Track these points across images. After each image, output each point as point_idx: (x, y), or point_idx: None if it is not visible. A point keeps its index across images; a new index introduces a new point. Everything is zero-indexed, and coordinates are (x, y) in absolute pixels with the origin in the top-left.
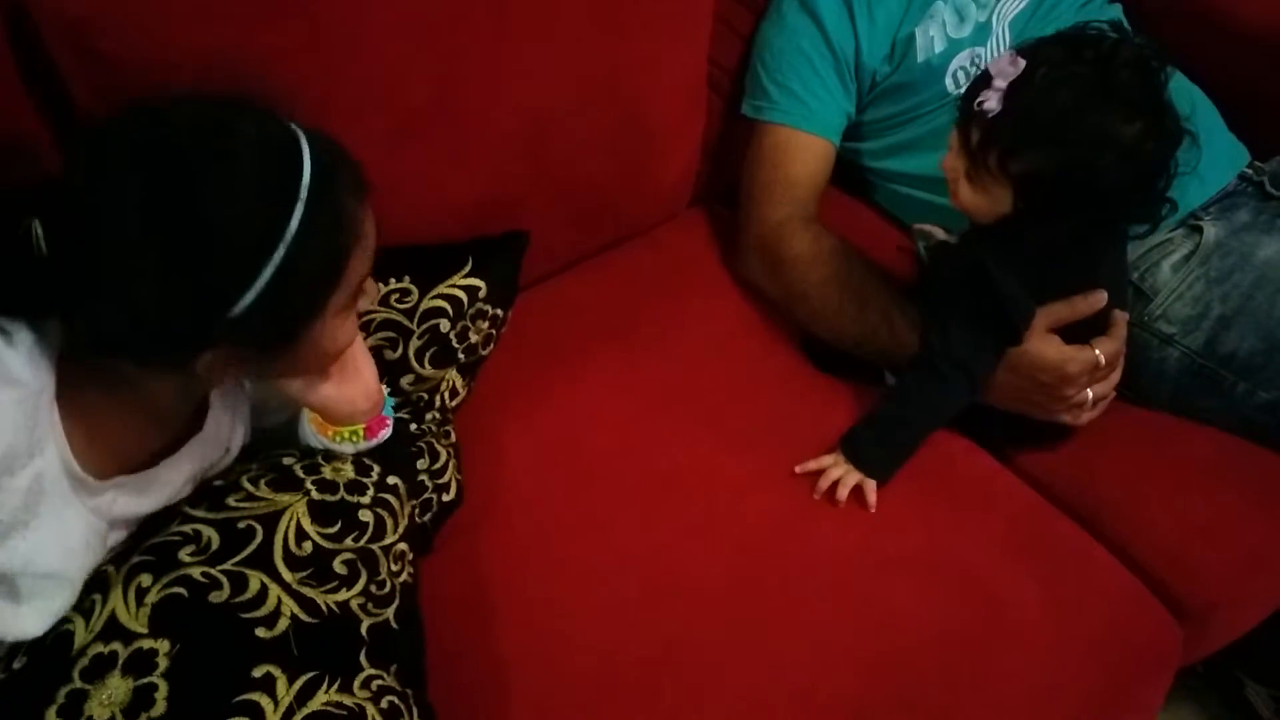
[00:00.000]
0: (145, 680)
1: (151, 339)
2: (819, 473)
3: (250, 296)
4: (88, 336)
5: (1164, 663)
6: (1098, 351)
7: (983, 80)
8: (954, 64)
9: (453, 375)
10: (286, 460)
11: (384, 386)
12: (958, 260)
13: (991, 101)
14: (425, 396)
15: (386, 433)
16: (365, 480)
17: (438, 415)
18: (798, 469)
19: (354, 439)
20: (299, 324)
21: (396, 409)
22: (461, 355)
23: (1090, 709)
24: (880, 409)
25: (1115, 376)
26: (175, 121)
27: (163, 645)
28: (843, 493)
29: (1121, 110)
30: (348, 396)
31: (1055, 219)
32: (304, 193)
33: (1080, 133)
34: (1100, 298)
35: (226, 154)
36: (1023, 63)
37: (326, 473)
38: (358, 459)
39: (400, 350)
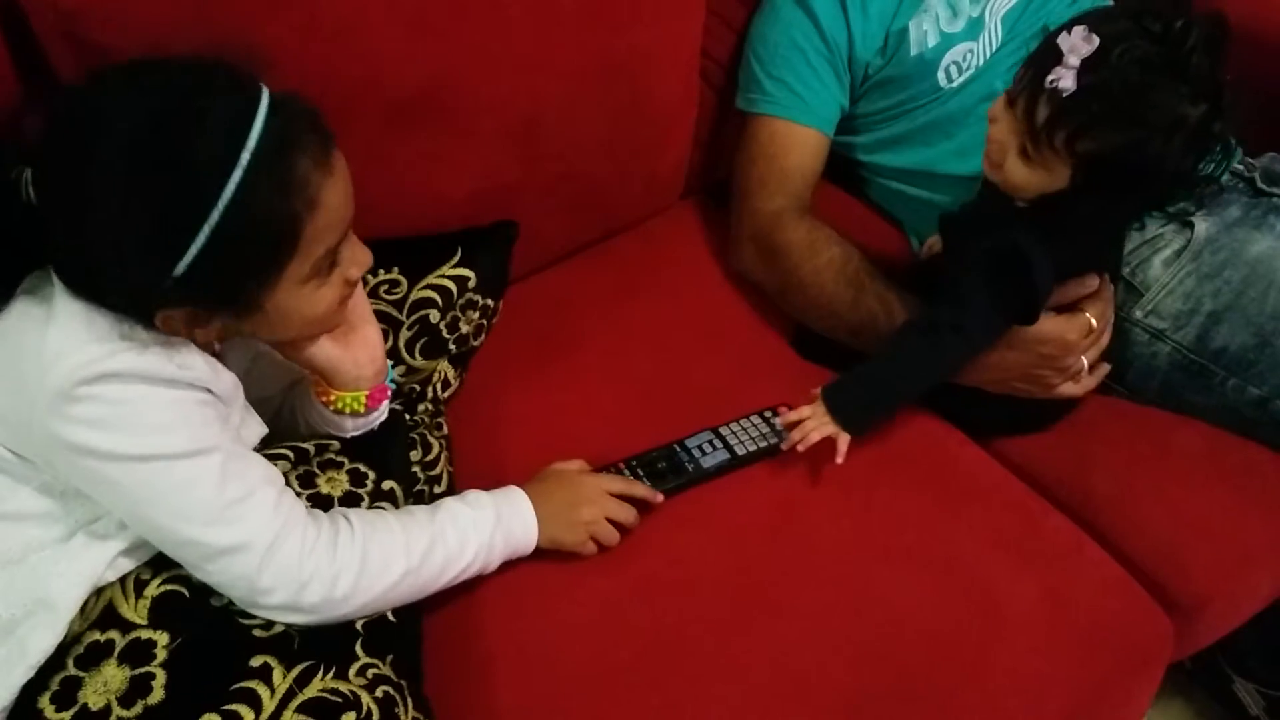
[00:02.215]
0: (143, 670)
1: (110, 288)
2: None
3: (192, 253)
4: (65, 282)
5: (1155, 657)
6: (1089, 315)
7: (1051, 55)
8: (947, 58)
9: (444, 366)
10: (281, 468)
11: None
12: (989, 236)
13: (1067, 80)
14: (417, 388)
15: (384, 407)
16: (360, 491)
17: (430, 406)
18: (779, 420)
19: (356, 405)
20: (251, 287)
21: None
22: (452, 346)
23: (1082, 701)
24: (868, 364)
25: (1104, 340)
26: (149, 81)
27: (161, 637)
28: (814, 437)
29: (1189, 91)
30: (354, 360)
31: (1111, 198)
32: (246, 156)
33: (1154, 113)
34: (1094, 282)
35: (186, 115)
36: (1096, 39)
37: (321, 485)
38: (353, 468)
39: (390, 342)
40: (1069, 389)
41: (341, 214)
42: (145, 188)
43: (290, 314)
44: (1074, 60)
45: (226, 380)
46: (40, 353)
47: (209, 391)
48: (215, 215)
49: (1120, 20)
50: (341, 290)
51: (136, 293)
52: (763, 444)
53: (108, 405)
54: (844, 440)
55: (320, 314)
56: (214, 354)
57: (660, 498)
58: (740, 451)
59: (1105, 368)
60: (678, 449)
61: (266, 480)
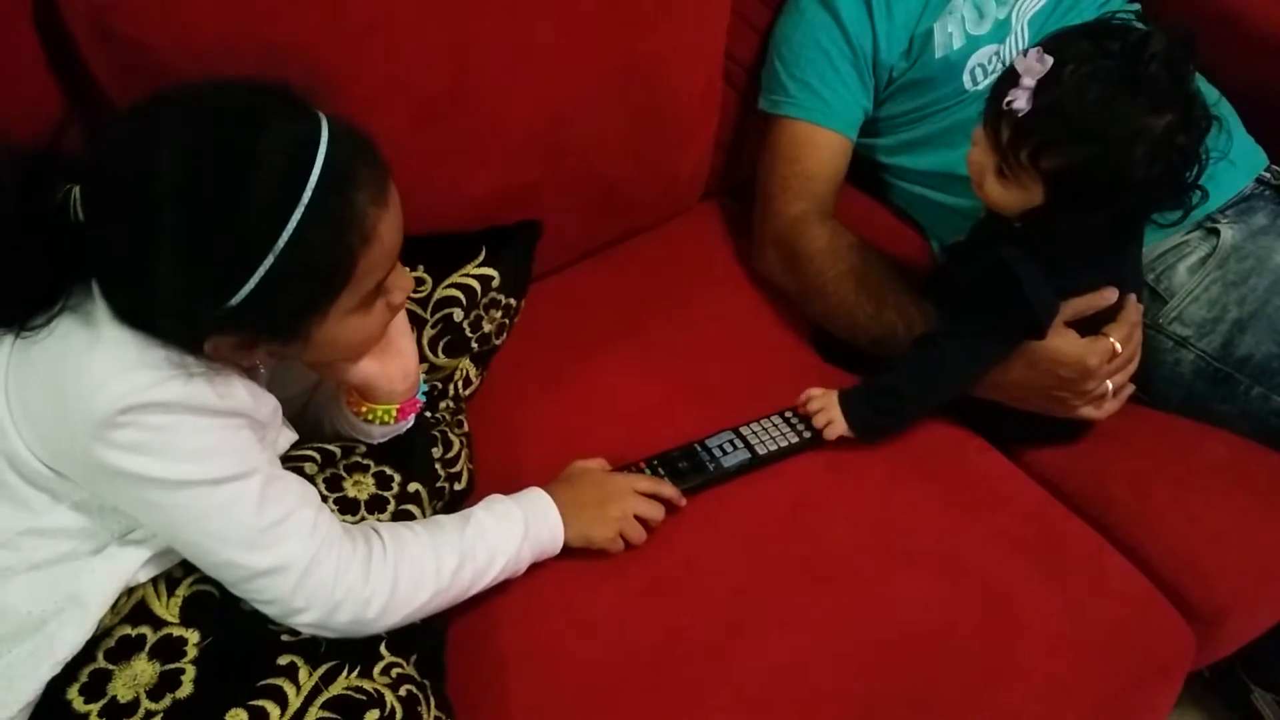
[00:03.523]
0: (173, 665)
1: (160, 315)
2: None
3: (247, 288)
4: (112, 304)
5: (1175, 666)
6: (1113, 339)
7: (1009, 78)
8: (972, 61)
9: (466, 364)
10: (308, 470)
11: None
12: (979, 258)
13: (1020, 101)
14: (439, 385)
15: (413, 417)
16: (386, 494)
17: (451, 404)
18: (802, 397)
19: (386, 418)
20: (301, 319)
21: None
22: (475, 344)
23: (1100, 710)
24: (880, 376)
25: (1132, 366)
26: (207, 109)
27: (192, 635)
28: (818, 419)
29: (1151, 103)
30: (388, 375)
31: (1087, 212)
32: (307, 194)
33: (1111, 127)
34: (1112, 294)
35: (246, 150)
36: (1050, 59)
37: (348, 488)
38: (379, 471)
39: (415, 340)
40: (1088, 413)
41: (394, 247)
42: (205, 223)
43: (335, 342)
44: (1029, 81)
45: (267, 405)
46: (84, 377)
47: (250, 417)
48: (274, 252)
49: (1080, 40)
50: (385, 316)
51: (188, 321)
52: (784, 444)
53: (149, 431)
54: (838, 428)
55: (362, 341)
56: (252, 372)
57: (684, 501)
58: (761, 451)
59: (1129, 390)
60: (699, 448)
61: (303, 501)
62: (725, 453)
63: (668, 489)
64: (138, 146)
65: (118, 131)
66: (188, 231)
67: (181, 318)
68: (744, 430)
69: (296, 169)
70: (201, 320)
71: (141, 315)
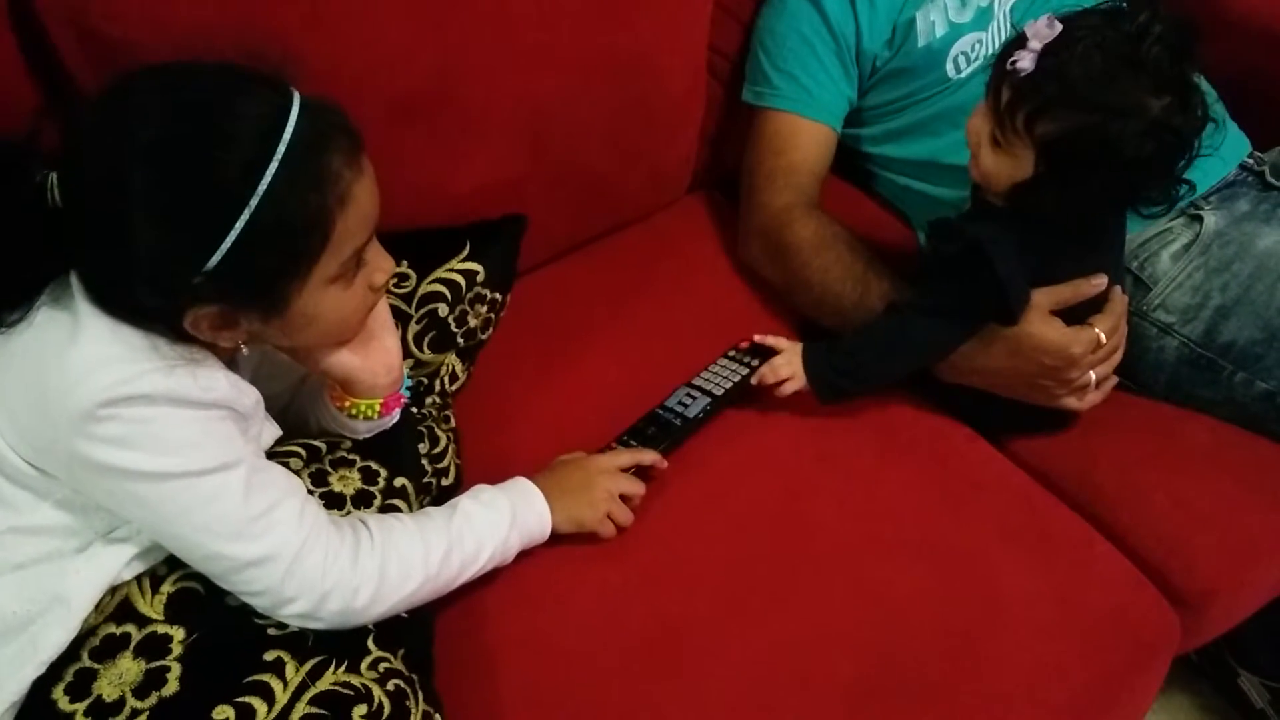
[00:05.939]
0: (158, 663)
1: (140, 286)
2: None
3: (225, 246)
4: (91, 289)
5: (1161, 650)
6: (1097, 329)
7: (1018, 41)
8: (955, 49)
9: (452, 360)
10: (294, 465)
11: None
12: (956, 238)
13: (1025, 61)
14: (425, 381)
15: (398, 412)
16: (372, 489)
17: (438, 400)
18: (756, 337)
19: (370, 412)
20: (282, 284)
21: None
22: (460, 340)
23: (1086, 695)
24: (845, 336)
25: (1116, 357)
26: (181, 81)
27: (177, 633)
28: (769, 378)
29: (1151, 83)
30: (370, 368)
31: (1072, 186)
32: (281, 150)
33: (1109, 99)
34: (1101, 281)
35: (219, 112)
36: (1059, 26)
37: (334, 483)
38: (365, 466)
39: (399, 335)
40: (1071, 403)
41: (370, 213)
42: (180, 180)
43: (316, 316)
44: (1035, 44)
45: (249, 397)
46: (64, 371)
47: (232, 409)
48: (250, 207)
49: (1092, 15)
50: (365, 296)
51: (167, 288)
52: (737, 379)
53: (131, 424)
54: (796, 383)
55: (344, 318)
56: (234, 366)
57: (665, 463)
58: (718, 392)
59: (1113, 381)
60: (660, 411)
61: (289, 491)
62: (685, 405)
63: (648, 455)
64: (111, 115)
65: (92, 107)
66: (162, 189)
67: (160, 284)
68: (695, 381)
69: (270, 129)
70: (181, 287)
71: (120, 290)
